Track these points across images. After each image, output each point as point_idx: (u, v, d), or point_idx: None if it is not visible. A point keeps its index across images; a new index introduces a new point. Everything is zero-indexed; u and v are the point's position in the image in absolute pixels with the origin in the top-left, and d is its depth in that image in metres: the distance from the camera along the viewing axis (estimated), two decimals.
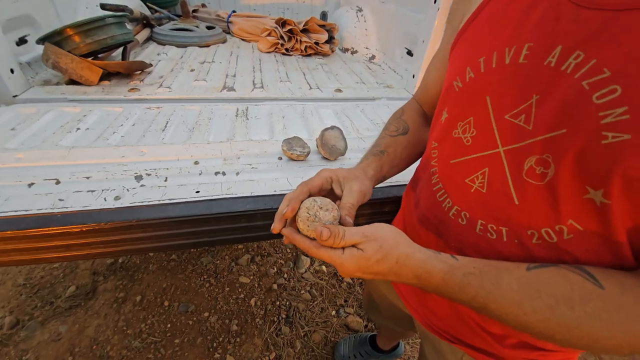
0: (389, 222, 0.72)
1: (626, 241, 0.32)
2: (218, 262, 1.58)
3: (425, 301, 0.55)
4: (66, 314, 1.32)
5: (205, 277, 1.51)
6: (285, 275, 1.56)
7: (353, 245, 0.38)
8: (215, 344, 1.26)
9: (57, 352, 1.19)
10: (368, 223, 0.93)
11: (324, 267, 1.63)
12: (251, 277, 1.53)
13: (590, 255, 0.35)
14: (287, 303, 1.44)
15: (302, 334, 1.33)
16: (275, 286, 1.50)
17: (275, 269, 1.59)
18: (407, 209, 0.59)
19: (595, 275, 0.32)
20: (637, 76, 0.27)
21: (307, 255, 1.66)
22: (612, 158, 0.28)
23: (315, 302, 1.46)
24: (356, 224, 0.84)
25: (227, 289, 1.47)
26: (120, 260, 1.55)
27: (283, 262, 1.63)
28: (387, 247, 0.37)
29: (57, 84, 1.11)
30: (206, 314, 1.36)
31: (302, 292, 1.50)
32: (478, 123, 0.39)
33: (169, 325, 1.31)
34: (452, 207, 0.44)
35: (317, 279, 1.56)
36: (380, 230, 0.39)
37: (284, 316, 1.39)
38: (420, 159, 0.59)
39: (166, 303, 1.38)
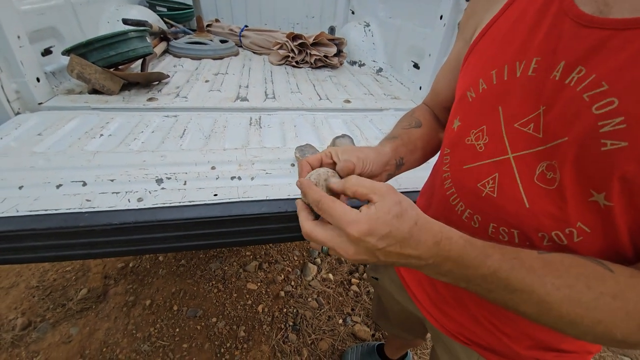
0: None
1: (629, 242, 0.34)
2: (226, 268, 1.60)
3: (438, 302, 0.56)
4: (77, 316, 1.34)
5: (213, 282, 1.52)
6: (293, 283, 1.57)
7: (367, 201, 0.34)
8: (222, 350, 1.27)
9: (67, 354, 1.21)
10: None
11: (330, 275, 1.63)
12: (259, 284, 1.54)
13: (598, 257, 0.37)
14: (294, 310, 1.45)
15: (309, 342, 1.33)
16: (282, 293, 1.51)
17: (283, 276, 1.60)
18: None
19: (601, 261, 0.33)
20: (632, 90, 0.29)
21: (314, 263, 1.68)
22: (611, 163, 0.31)
23: (322, 310, 1.46)
24: None
25: (235, 294, 1.48)
26: (130, 265, 1.57)
27: (290, 270, 1.64)
28: (405, 204, 0.33)
29: (80, 93, 1.17)
30: (214, 319, 1.37)
31: (309, 299, 1.50)
32: (490, 131, 0.41)
33: (177, 330, 1.32)
34: (465, 211, 0.45)
35: (324, 287, 1.57)
36: (393, 189, 0.34)
37: (291, 323, 1.39)
38: (434, 162, 0.60)
39: (175, 307, 1.40)
